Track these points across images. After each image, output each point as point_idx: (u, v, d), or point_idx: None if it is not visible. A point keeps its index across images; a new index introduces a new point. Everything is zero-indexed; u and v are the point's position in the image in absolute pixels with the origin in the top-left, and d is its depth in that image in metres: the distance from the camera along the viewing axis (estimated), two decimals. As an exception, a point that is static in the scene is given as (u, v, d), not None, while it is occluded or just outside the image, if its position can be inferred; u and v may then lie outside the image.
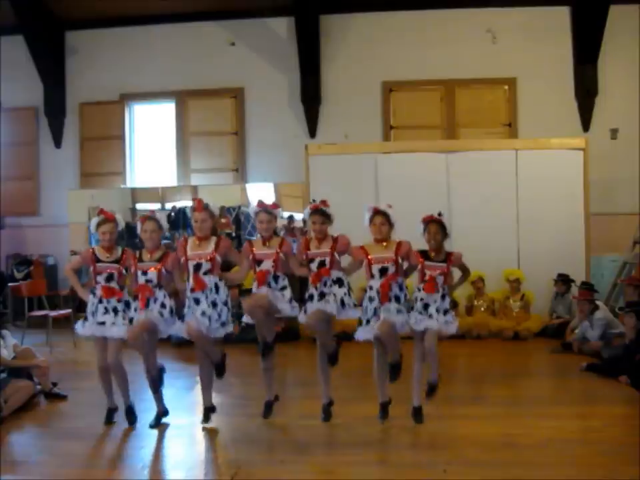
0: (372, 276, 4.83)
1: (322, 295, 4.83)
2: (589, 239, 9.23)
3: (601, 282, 9.11)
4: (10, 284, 9.82)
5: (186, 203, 10.54)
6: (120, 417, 5.13)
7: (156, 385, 5.02)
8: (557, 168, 9.20)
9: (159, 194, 10.81)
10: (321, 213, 4.92)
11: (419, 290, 4.87)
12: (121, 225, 5.15)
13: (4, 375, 5.56)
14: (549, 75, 10.48)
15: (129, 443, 4.74)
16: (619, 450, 4.38)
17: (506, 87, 10.74)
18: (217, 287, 4.87)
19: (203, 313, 4.77)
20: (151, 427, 4.99)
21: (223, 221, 9.93)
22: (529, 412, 5.28)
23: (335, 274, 4.87)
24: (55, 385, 6.01)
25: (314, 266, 4.88)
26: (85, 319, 5.01)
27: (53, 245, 10.95)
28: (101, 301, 4.93)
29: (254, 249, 4.96)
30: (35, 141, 11.44)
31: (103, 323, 4.91)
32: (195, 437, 4.91)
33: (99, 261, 5.00)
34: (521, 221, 9.24)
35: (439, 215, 4.96)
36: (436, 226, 4.89)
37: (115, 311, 4.93)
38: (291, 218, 10.14)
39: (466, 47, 10.54)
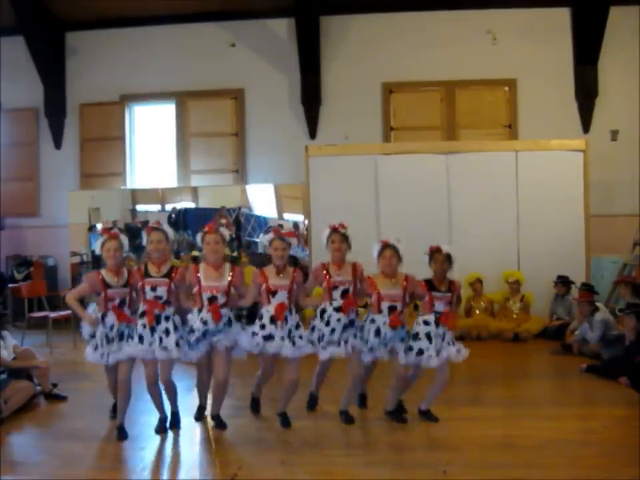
0: (380, 312, 4.86)
1: (347, 326, 4.86)
2: (589, 240, 9.24)
3: (601, 283, 9.10)
4: (10, 285, 9.85)
5: (186, 204, 10.55)
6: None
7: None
8: (557, 169, 9.21)
9: (159, 195, 10.81)
10: (340, 234, 4.92)
11: (427, 323, 4.89)
12: (126, 245, 4.95)
13: (4, 376, 5.56)
14: (549, 76, 10.48)
15: (129, 443, 4.73)
16: (619, 451, 4.38)
17: (506, 88, 10.74)
18: (229, 321, 4.85)
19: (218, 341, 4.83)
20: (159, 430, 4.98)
21: (223, 221, 9.92)
22: (529, 413, 5.28)
23: (351, 315, 4.89)
24: (54, 385, 6.01)
25: (337, 294, 4.87)
26: (95, 347, 4.85)
27: (53, 245, 10.95)
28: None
29: (268, 278, 4.85)
30: (35, 142, 11.44)
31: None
32: (195, 438, 4.91)
33: (109, 286, 4.82)
34: (521, 222, 9.25)
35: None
36: (442, 256, 4.91)
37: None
38: (295, 224, 10.07)
39: (466, 48, 10.55)
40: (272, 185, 10.58)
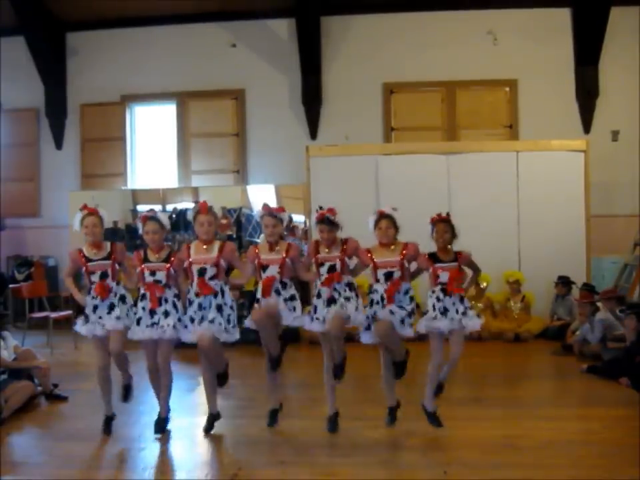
0: (377, 280, 4.73)
1: (331, 301, 4.68)
2: (590, 241, 9.24)
3: (601, 284, 9.10)
4: (11, 285, 9.85)
5: (187, 204, 10.55)
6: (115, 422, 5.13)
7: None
8: (558, 170, 9.21)
9: (160, 195, 10.81)
10: (327, 222, 4.75)
11: (433, 292, 4.74)
12: (106, 220, 5.00)
13: (4, 377, 5.57)
14: (550, 76, 10.48)
15: (130, 444, 4.74)
16: (619, 451, 4.38)
17: (507, 89, 10.74)
18: (222, 292, 4.78)
19: (212, 320, 4.67)
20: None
21: (224, 222, 9.92)
22: (530, 414, 5.28)
23: (346, 278, 4.75)
24: (55, 386, 6.02)
25: (324, 270, 4.75)
26: (86, 318, 4.87)
27: (54, 246, 10.94)
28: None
29: (259, 253, 4.82)
30: (35, 142, 11.45)
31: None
32: (195, 438, 4.91)
33: (89, 260, 4.86)
34: (522, 223, 9.25)
35: (447, 214, 4.83)
36: (444, 225, 4.75)
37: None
38: (290, 217, 10.07)
39: (467, 48, 10.55)
40: (273, 185, 10.59)
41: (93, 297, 4.83)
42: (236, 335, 4.82)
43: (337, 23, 10.78)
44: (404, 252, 4.71)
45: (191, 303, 4.78)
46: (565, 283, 8.81)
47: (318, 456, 4.43)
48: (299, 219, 10.11)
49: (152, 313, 4.79)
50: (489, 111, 10.75)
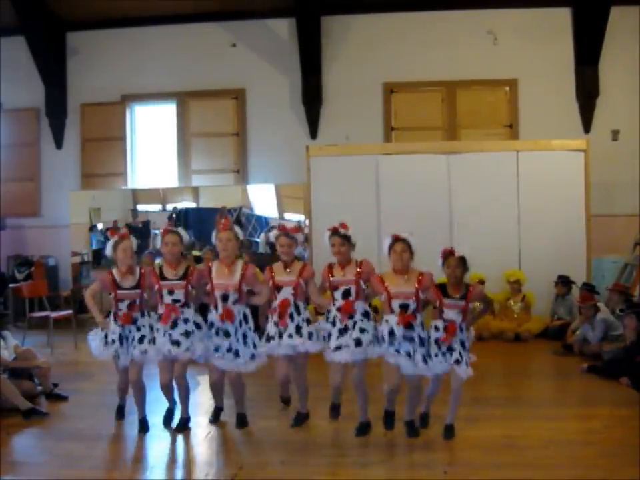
0: (391, 311, 4.57)
1: (344, 330, 4.61)
2: (590, 241, 9.23)
3: (601, 283, 9.09)
4: (11, 285, 9.87)
5: (187, 204, 10.56)
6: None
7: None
8: (558, 169, 9.21)
9: (160, 195, 10.82)
10: (340, 235, 4.69)
11: (437, 329, 4.60)
12: (135, 244, 5.00)
13: (5, 376, 5.56)
14: (550, 76, 10.47)
15: (130, 444, 4.74)
16: (619, 451, 4.38)
17: (507, 88, 10.74)
18: (245, 318, 4.81)
19: (237, 353, 4.73)
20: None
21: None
22: (530, 413, 5.29)
23: (362, 307, 4.67)
24: (55, 385, 6.02)
25: (338, 294, 4.67)
26: (105, 338, 4.90)
27: (54, 246, 10.95)
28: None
29: (274, 274, 4.78)
30: (36, 142, 11.45)
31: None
32: (196, 438, 4.91)
33: (119, 287, 4.87)
34: (522, 222, 9.24)
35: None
36: (456, 260, 4.57)
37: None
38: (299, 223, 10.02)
39: (467, 48, 10.54)
40: (273, 185, 10.59)
41: (119, 325, 4.86)
42: (258, 361, 4.86)
43: (337, 23, 10.78)
44: (419, 280, 4.56)
45: (212, 325, 4.80)
46: (564, 282, 8.81)
47: (318, 456, 4.43)
48: (299, 218, 10.09)
49: (167, 333, 4.79)
50: (489, 110, 10.74)
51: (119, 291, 4.86)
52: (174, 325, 4.78)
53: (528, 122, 10.55)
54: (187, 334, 4.79)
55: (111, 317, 4.94)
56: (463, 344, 4.63)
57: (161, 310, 4.85)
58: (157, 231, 9.35)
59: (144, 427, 4.95)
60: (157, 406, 5.27)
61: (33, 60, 10.94)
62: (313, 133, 10.88)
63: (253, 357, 4.81)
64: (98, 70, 11.14)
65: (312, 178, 9.49)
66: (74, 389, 6.15)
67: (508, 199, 9.24)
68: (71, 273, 10.66)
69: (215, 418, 5.18)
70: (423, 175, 9.29)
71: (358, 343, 4.58)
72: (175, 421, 5.08)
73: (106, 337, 4.92)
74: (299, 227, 4.96)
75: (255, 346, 4.82)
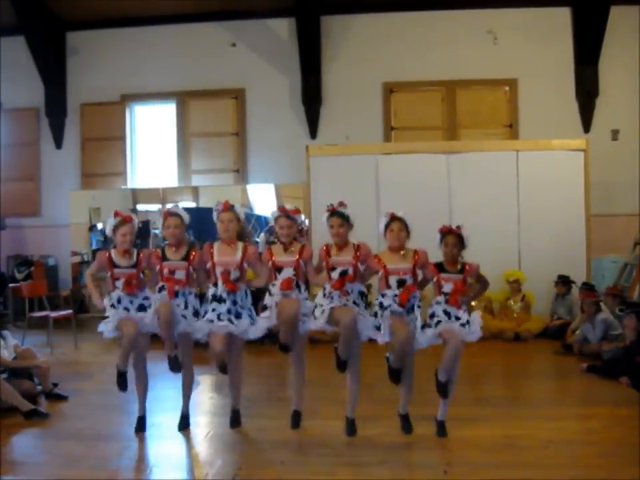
0: (388, 286, 4.58)
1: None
2: (590, 240, 9.23)
3: (601, 283, 9.11)
4: (11, 284, 9.86)
5: (187, 203, 10.55)
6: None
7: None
8: (558, 169, 9.21)
9: (160, 195, 10.81)
10: (339, 215, 4.66)
11: (439, 303, 4.61)
12: (136, 226, 5.01)
13: (4, 376, 5.56)
14: (550, 75, 10.48)
15: (130, 443, 4.74)
16: (619, 451, 4.39)
17: (507, 88, 10.74)
18: (246, 293, 4.83)
19: (230, 312, 4.70)
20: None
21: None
22: (530, 413, 5.29)
23: (359, 288, 4.66)
24: (55, 385, 6.02)
25: (335, 274, 4.63)
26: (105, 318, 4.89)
27: (54, 245, 10.96)
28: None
29: (274, 255, 4.76)
30: (35, 142, 11.45)
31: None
32: (195, 438, 4.91)
33: (115, 266, 4.88)
34: (522, 222, 9.24)
35: (458, 227, 4.74)
36: (454, 238, 4.64)
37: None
38: (302, 220, 10.01)
39: (467, 47, 10.55)
40: (272, 184, 10.59)
41: (120, 293, 4.85)
42: (259, 331, 4.83)
43: (337, 23, 10.78)
44: (416, 258, 4.60)
45: (214, 298, 4.76)
46: (564, 282, 8.81)
47: (318, 456, 4.43)
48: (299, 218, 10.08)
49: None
50: (489, 110, 10.75)
51: (115, 270, 4.87)
52: (176, 296, 4.78)
53: (528, 122, 10.56)
54: (186, 305, 4.81)
55: (110, 295, 4.90)
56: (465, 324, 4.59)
57: (161, 284, 4.85)
58: (156, 231, 9.36)
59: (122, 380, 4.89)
60: (155, 405, 5.27)
61: (32, 60, 10.94)
62: (313, 133, 10.88)
63: (252, 323, 4.80)
64: (98, 70, 11.14)
65: (312, 178, 9.49)
66: (74, 389, 6.14)
67: (508, 198, 9.23)
68: (70, 272, 10.66)
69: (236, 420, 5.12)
70: (423, 175, 9.29)
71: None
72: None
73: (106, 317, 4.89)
74: (298, 209, 4.91)
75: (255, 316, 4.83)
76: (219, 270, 4.75)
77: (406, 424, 4.76)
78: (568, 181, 9.21)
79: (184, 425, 5.02)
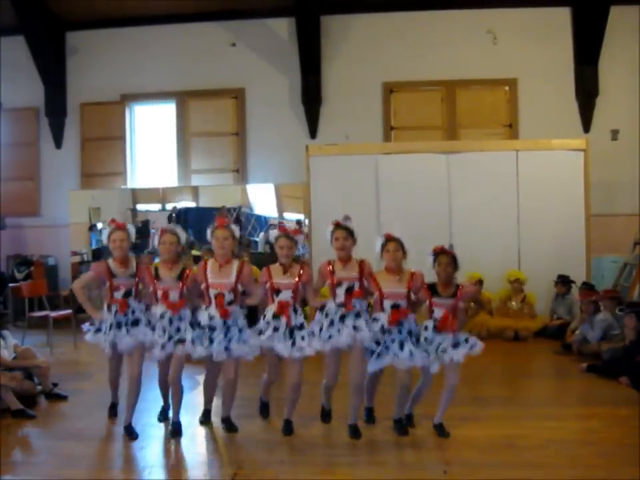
0: (382, 310, 4.63)
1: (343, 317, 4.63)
2: (590, 240, 9.23)
3: (601, 283, 9.12)
4: (10, 284, 9.85)
5: (187, 203, 10.56)
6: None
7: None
8: (558, 169, 9.21)
9: (160, 194, 10.81)
10: (344, 229, 4.68)
11: (426, 329, 4.65)
12: (132, 236, 5.00)
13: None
14: (550, 75, 10.47)
15: (130, 443, 4.73)
16: (619, 451, 4.39)
17: (506, 88, 10.74)
18: (239, 317, 4.79)
19: (225, 339, 4.69)
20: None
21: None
22: (529, 413, 5.29)
23: (361, 303, 4.67)
24: (55, 385, 6.01)
25: (341, 290, 4.64)
26: (97, 331, 4.88)
27: (54, 245, 10.96)
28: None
29: (272, 276, 4.72)
30: (35, 142, 11.44)
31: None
32: (195, 438, 4.91)
33: (114, 276, 4.86)
34: (522, 222, 9.24)
35: (450, 247, 4.75)
36: (447, 258, 4.62)
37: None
38: (299, 222, 9.99)
39: (466, 47, 10.54)
40: (272, 184, 10.59)
41: (116, 314, 4.83)
42: (254, 351, 4.80)
43: (337, 23, 10.78)
44: (410, 283, 4.64)
45: (203, 323, 4.72)
46: (564, 282, 8.81)
47: (318, 456, 4.43)
48: (298, 218, 10.10)
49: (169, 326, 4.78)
50: (488, 110, 10.74)
51: (114, 280, 4.85)
52: (170, 323, 4.76)
53: (527, 121, 10.55)
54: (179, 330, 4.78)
55: (105, 309, 4.89)
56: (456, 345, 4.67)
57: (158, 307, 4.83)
58: (154, 231, 9.36)
59: (131, 434, 4.84)
60: (155, 405, 5.28)
61: (32, 59, 10.93)
62: (313, 133, 10.88)
63: (246, 345, 4.75)
64: (97, 69, 11.13)
65: (311, 177, 9.49)
66: (73, 389, 6.14)
67: (508, 198, 9.23)
68: (70, 272, 10.64)
69: (206, 418, 5.13)
70: (423, 175, 9.29)
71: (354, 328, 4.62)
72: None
73: (100, 327, 4.88)
74: (299, 229, 4.87)
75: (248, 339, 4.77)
76: (213, 292, 4.72)
77: (400, 428, 4.78)
78: (568, 181, 9.21)
79: (175, 431, 4.90)
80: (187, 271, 4.87)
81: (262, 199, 10.53)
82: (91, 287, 5.39)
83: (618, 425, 4.96)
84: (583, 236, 9.21)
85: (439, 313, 4.63)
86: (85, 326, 5.01)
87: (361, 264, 4.70)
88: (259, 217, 10.38)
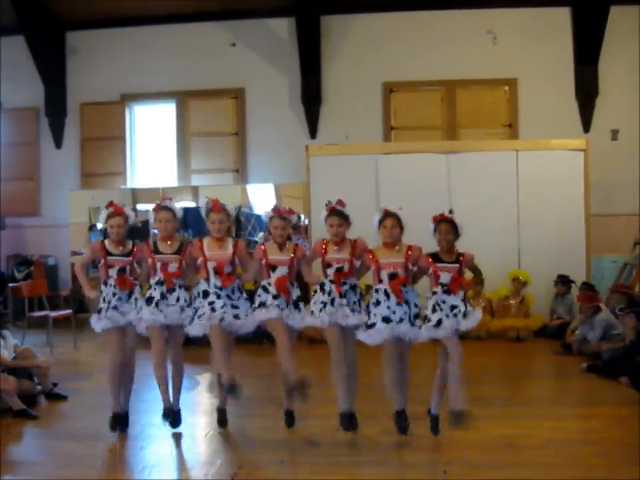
0: (380, 280, 4.60)
1: (332, 301, 4.62)
2: (590, 240, 9.23)
3: (601, 283, 9.11)
4: (10, 284, 9.85)
5: (187, 203, 10.55)
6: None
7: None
8: (558, 169, 9.21)
9: (160, 194, 10.76)
10: (338, 214, 4.66)
11: (434, 293, 4.57)
12: (131, 219, 5.01)
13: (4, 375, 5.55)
14: (550, 75, 10.47)
15: (129, 443, 4.74)
16: (619, 451, 4.39)
17: (506, 88, 10.74)
18: (239, 290, 4.82)
19: (237, 316, 4.69)
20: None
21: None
22: (529, 413, 5.29)
23: (351, 280, 4.69)
24: (55, 385, 6.01)
25: (331, 271, 4.65)
26: (99, 312, 4.86)
27: (54, 245, 10.96)
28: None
29: (268, 253, 4.75)
30: (35, 142, 11.45)
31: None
32: (195, 438, 4.91)
33: (109, 254, 4.88)
34: (522, 222, 9.24)
35: (450, 212, 4.68)
36: (447, 225, 4.59)
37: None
38: (298, 216, 9.99)
39: (466, 47, 10.54)
40: (272, 184, 10.59)
41: (113, 289, 4.83)
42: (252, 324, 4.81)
43: (337, 23, 10.77)
44: (409, 253, 4.60)
45: (206, 294, 4.72)
46: (564, 281, 8.81)
47: (318, 456, 4.43)
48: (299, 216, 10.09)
49: (163, 297, 4.79)
50: (488, 110, 10.74)
51: (108, 257, 4.86)
52: (172, 291, 4.79)
53: (527, 121, 10.55)
54: (178, 300, 4.82)
55: (102, 286, 4.90)
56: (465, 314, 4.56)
57: (158, 277, 4.83)
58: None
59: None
60: (155, 405, 5.27)
61: (32, 59, 10.94)
62: (313, 133, 10.88)
63: (247, 315, 4.78)
64: (97, 69, 11.13)
65: (311, 177, 9.49)
66: (73, 389, 6.14)
67: (508, 198, 9.23)
68: (70, 272, 10.61)
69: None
70: (423, 175, 9.29)
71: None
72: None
73: (99, 311, 4.87)
74: (292, 210, 4.91)
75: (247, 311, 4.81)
76: (211, 265, 4.74)
77: (400, 419, 4.67)
78: (568, 181, 9.21)
79: (174, 420, 4.91)
80: (185, 246, 4.90)
81: (262, 198, 10.52)
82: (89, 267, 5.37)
83: (618, 424, 4.95)
84: (582, 236, 9.21)
85: (446, 277, 4.55)
86: (92, 320, 4.95)
87: (354, 243, 4.71)
88: (259, 217, 10.36)
